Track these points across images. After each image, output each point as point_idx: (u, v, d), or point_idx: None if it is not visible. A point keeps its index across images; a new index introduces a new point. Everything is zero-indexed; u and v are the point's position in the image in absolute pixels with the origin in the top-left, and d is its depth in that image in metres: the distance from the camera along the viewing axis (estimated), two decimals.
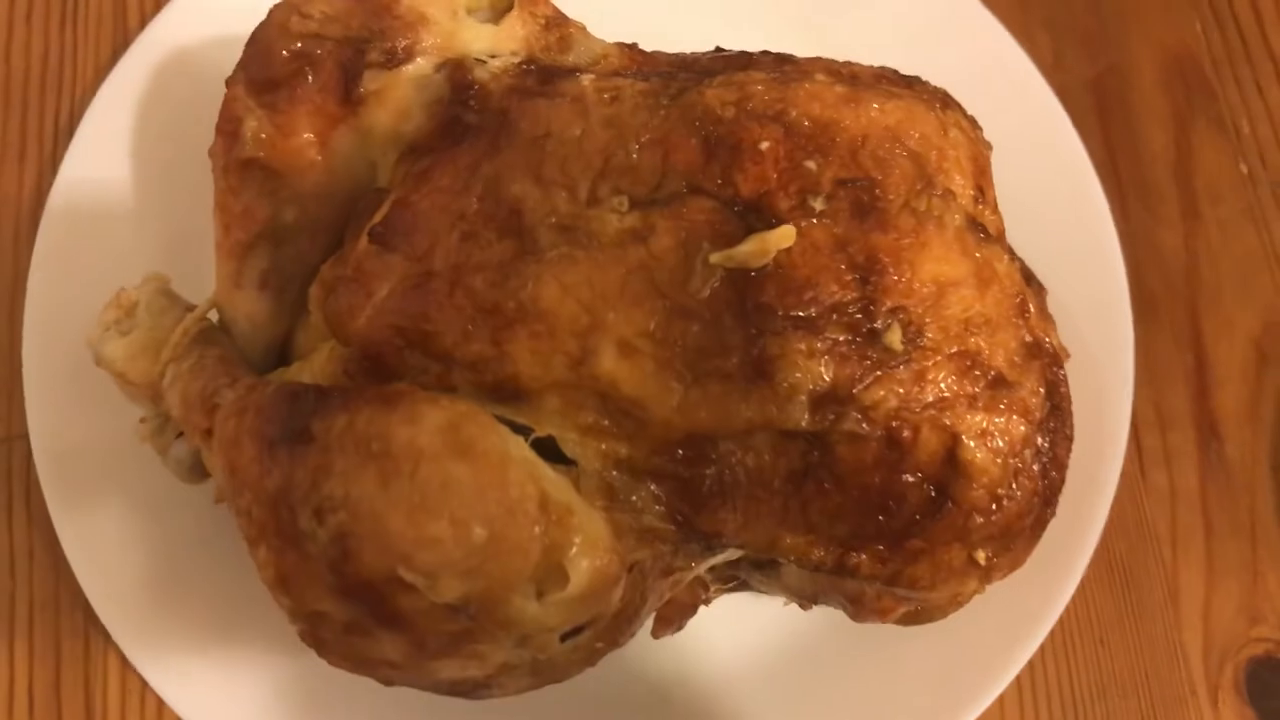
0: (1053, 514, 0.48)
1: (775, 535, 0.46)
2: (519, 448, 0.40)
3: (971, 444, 0.44)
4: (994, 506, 0.45)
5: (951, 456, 0.44)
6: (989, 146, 0.51)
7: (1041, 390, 0.45)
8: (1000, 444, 0.44)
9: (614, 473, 0.43)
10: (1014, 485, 0.45)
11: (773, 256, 0.43)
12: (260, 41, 0.48)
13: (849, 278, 0.44)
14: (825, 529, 0.45)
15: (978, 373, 0.44)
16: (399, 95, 0.48)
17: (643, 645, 0.57)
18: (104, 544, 0.56)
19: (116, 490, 0.57)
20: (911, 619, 0.54)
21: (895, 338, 0.43)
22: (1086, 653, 0.60)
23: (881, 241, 0.44)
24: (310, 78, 0.47)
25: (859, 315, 0.44)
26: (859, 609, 0.51)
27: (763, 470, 0.44)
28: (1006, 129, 0.54)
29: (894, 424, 0.43)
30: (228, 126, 0.49)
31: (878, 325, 0.44)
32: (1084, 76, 0.69)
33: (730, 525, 0.45)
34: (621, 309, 0.42)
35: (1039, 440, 0.45)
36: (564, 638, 0.43)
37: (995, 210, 0.49)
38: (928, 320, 0.44)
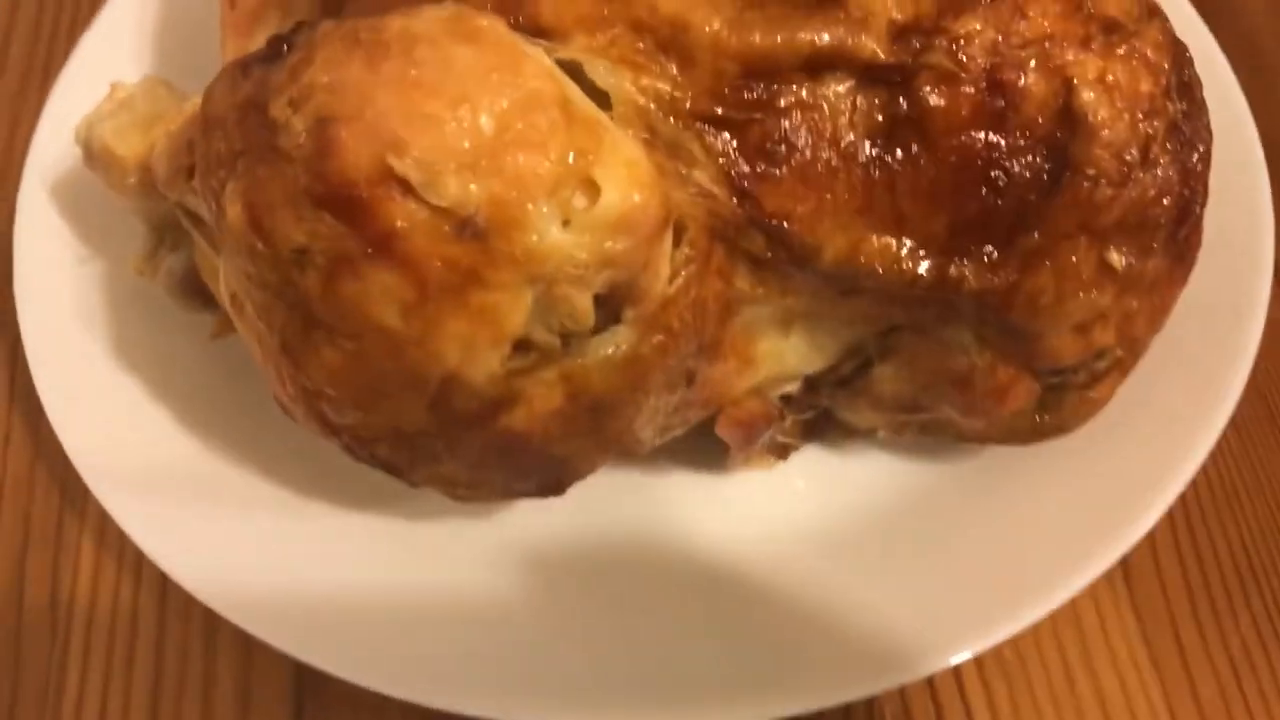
0: (1197, 223, 0.39)
1: (858, 235, 0.37)
2: (537, 52, 0.33)
3: (1089, 92, 0.36)
4: (1123, 172, 0.37)
5: (1067, 107, 0.36)
6: None
7: (1165, 45, 0.38)
8: (1123, 98, 0.36)
9: (654, 109, 0.35)
10: (1145, 152, 0.37)
11: None
12: None
13: None
14: (919, 223, 0.37)
15: (1088, 14, 0.37)
16: None
17: (716, 508, 0.48)
18: (90, 408, 0.48)
19: (104, 354, 0.50)
20: (1035, 430, 0.44)
21: None
22: (1263, 519, 0.49)
23: None
24: None
25: None
26: (969, 398, 0.42)
27: (837, 125, 0.36)
28: None
29: (993, 62, 0.36)
30: None
31: None
32: None
33: (800, 208, 0.36)
34: None
35: (1169, 107, 0.37)
36: (599, 324, 0.35)
37: None
38: None
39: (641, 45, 0.36)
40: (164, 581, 0.46)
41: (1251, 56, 0.55)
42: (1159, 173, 0.37)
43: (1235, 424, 0.46)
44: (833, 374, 0.46)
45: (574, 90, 0.33)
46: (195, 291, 0.48)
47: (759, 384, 0.44)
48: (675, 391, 0.38)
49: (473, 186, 0.31)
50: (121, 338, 0.50)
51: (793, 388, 0.46)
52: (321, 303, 0.33)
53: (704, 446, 0.47)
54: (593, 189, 0.32)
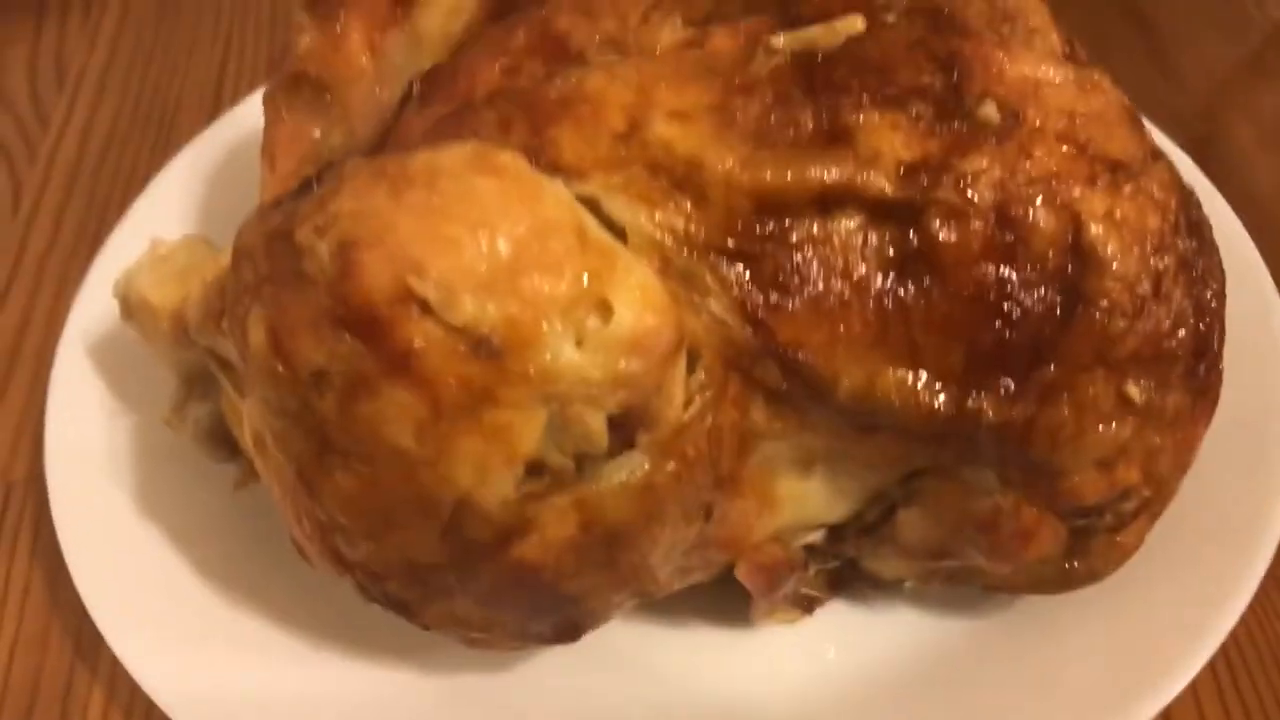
0: (1217, 359, 0.39)
1: (873, 368, 0.38)
2: (556, 184, 0.35)
3: (1097, 227, 0.37)
4: (1136, 304, 0.37)
5: (1076, 242, 0.37)
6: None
7: (1171, 185, 0.39)
8: (1131, 233, 0.37)
9: (669, 241, 0.36)
10: (1157, 285, 0.37)
11: (842, 41, 0.39)
12: None
13: (930, 67, 0.39)
14: (934, 355, 0.38)
15: (1093, 155, 0.38)
16: None
17: (740, 669, 0.47)
18: (111, 558, 0.49)
19: (129, 505, 0.50)
20: (1064, 578, 0.43)
21: (991, 111, 0.38)
22: None
23: (964, 46, 0.40)
24: None
25: (945, 96, 0.38)
26: (995, 541, 0.42)
27: (849, 259, 0.37)
28: None
29: (1001, 198, 0.37)
30: (281, 55, 0.48)
31: (968, 104, 0.38)
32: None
33: (814, 338, 0.37)
34: (675, 86, 0.38)
35: (1179, 244, 0.38)
36: (613, 448, 0.35)
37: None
38: (1027, 106, 0.39)
39: (657, 184, 0.37)
40: None
41: (1260, 220, 0.56)
42: (1173, 305, 0.37)
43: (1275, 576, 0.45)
44: (857, 522, 0.45)
45: (590, 220, 0.35)
46: (221, 441, 0.48)
47: (780, 528, 0.43)
48: (692, 525, 0.38)
49: (489, 306, 0.32)
50: (146, 490, 0.51)
51: (816, 537, 0.45)
52: (338, 425, 0.33)
53: (726, 602, 0.47)
54: (606, 310, 0.33)
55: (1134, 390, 0.38)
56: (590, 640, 0.47)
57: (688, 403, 0.36)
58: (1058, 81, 0.40)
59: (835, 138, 0.37)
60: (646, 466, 0.35)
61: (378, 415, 0.33)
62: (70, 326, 0.54)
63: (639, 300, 0.33)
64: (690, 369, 0.36)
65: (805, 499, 0.43)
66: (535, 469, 0.34)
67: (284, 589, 0.48)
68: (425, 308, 0.32)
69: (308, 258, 0.33)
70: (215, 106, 0.73)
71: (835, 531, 0.45)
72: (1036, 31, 0.42)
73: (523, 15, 0.43)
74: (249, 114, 0.61)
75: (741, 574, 0.42)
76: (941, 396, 0.38)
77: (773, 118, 0.38)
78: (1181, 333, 0.37)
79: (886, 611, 0.48)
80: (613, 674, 0.47)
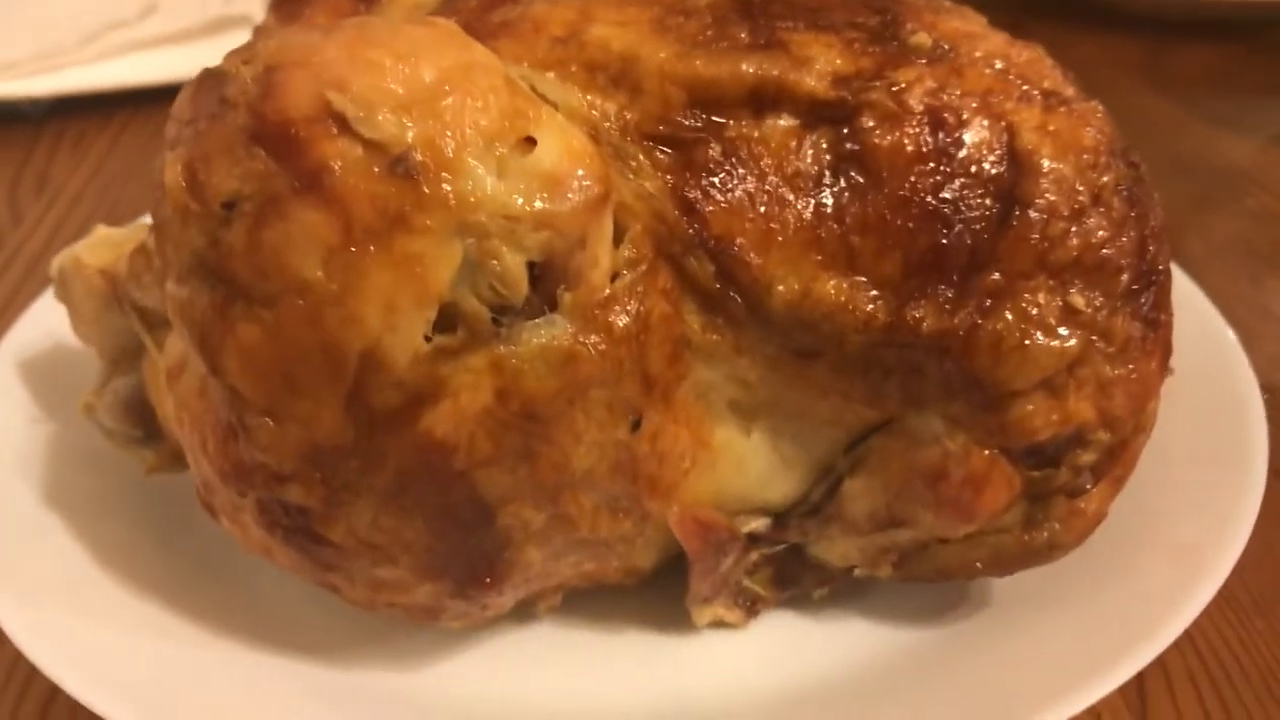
0: (1164, 292, 0.39)
1: (809, 275, 0.37)
2: (487, 52, 0.35)
3: (1032, 135, 0.37)
4: (1074, 207, 0.37)
5: (1010, 149, 0.37)
6: None
7: (1106, 116, 0.39)
8: (1067, 145, 0.37)
9: (602, 123, 0.36)
10: (1095, 195, 0.37)
11: None
12: None
13: (865, 13, 0.41)
14: (870, 260, 0.37)
15: (1026, 86, 0.39)
16: None
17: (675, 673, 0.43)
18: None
19: (36, 499, 0.48)
20: (1024, 550, 0.41)
21: (923, 39, 0.39)
22: None
23: (899, 5, 0.42)
24: None
25: (879, 30, 0.40)
26: (945, 493, 0.40)
27: (783, 158, 0.37)
28: None
29: (934, 104, 0.37)
30: None
31: (901, 35, 0.39)
32: None
33: (747, 231, 0.36)
34: (616, 6, 0.39)
35: (1117, 166, 0.38)
36: (533, 305, 0.33)
37: None
38: (959, 44, 0.40)
39: (594, 81, 0.37)
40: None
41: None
42: (1113, 213, 0.37)
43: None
44: (802, 505, 0.42)
45: (519, 81, 0.34)
46: (138, 416, 0.46)
47: (720, 492, 0.41)
48: (619, 427, 0.36)
49: (408, 124, 0.31)
50: (54, 486, 0.48)
51: (761, 525, 0.43)
52: (244, 257, 0.32)
53: (665, 608, 0.44)
54: (530, 145, 0.32)
55: (1078, 300, 0.37)
56: (518, 644, 0.43)
57: (615, 274, 0.34)
58: (989, 34, 0.41)
59: (769, 46, 0.38)
60: (569, 333, 0.34)
61: (286, 240, 0.32)
62: (5, 344, 0.53)
63: (564, 142, 0.33)
64: (617, 241, 0.35)
65: (745, 461, 0.41)
66: (448, 320, 0.33)
67: (187, 580, 0.45)
68: (343, 124, 0.31)
69: (230, 83, 0.32)
70: None
71: (780, 519, 0.43)
72: (971, 17, 0.44)
73: None
74: None
75: (674, 523, 0.39)
76: (879, 303, 0.37)
77: (709, 32, 0.38)
78: (1123, 240, 0.37)
79: (834, 621, 0.44)
80: (542, 681, 0.43)
